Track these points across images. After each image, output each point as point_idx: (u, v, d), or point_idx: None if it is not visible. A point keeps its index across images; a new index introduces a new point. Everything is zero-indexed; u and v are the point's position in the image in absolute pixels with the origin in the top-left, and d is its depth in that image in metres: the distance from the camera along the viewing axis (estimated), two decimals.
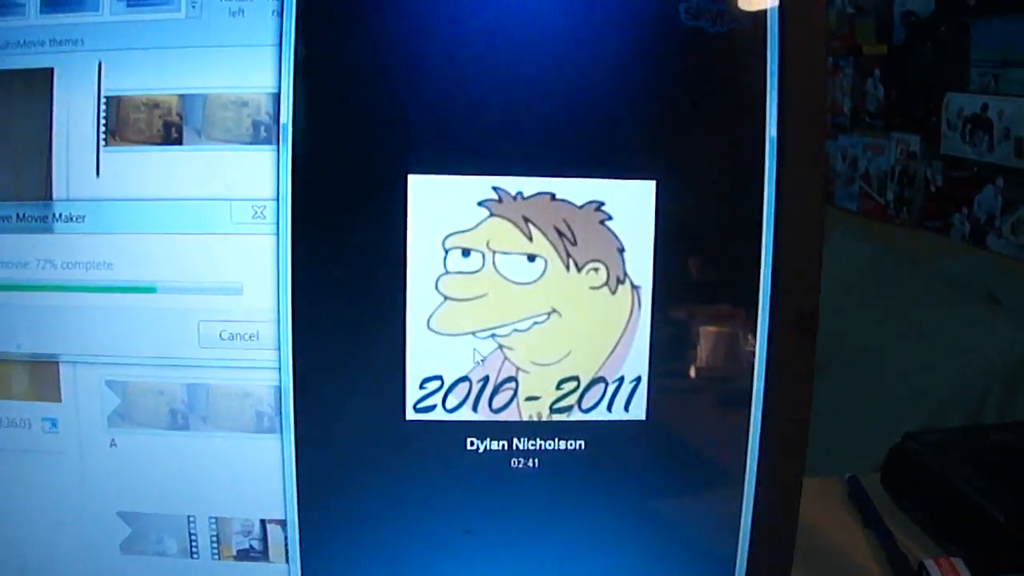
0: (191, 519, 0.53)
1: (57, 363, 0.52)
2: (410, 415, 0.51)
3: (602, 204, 0.50)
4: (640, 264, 0.51)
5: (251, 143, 0.50)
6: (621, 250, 0.50)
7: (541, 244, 0.50)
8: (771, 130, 0.50)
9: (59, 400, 0.52)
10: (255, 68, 0.49)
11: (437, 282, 0.50)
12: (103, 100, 0.50)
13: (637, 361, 0.51)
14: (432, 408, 0.51)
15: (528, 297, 0.50)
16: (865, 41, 2.35)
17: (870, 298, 1.79)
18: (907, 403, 1.52)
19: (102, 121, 0.50)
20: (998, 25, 1.88)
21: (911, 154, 2.18)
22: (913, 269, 1.85)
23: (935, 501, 0.82)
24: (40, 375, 0.52)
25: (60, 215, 0.51)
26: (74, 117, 0.50)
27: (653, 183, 0.50)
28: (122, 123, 0.50)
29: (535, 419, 0.52)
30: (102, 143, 0.50)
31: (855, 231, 2.10)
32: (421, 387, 0.51)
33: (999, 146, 1.87)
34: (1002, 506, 0.73)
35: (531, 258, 0.50)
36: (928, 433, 0.92)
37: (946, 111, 2.01)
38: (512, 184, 0.50)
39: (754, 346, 0.52)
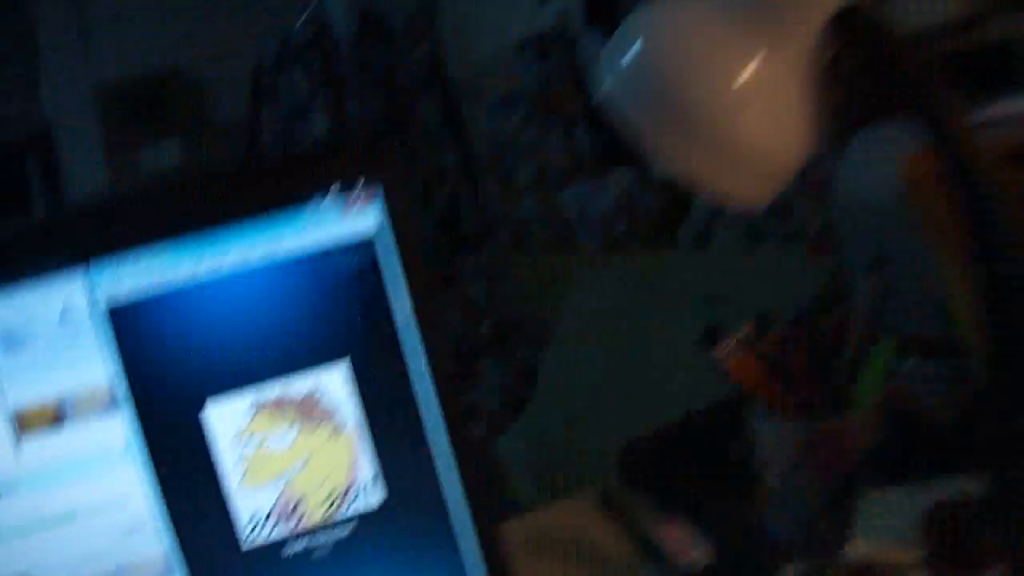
0: None
1: None
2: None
3: (317, 387, 0.79)
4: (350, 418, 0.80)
5: None
6: (334, 414, 0.80)
7: (292, 419, 0.79)
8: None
9: None
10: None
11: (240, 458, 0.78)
12: None
13: (366, 470, 0.80)
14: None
15: (292, 452, 0.79)
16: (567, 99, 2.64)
17: (612, 332, 1.92)
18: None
19: None
20: None
21: (629, 186, 2.47)
22: (648, 289, 1.97)
23: (664, 488, 1.04)
24: None
25: None
26: None
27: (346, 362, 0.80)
28: None
29: (320, 523, 0.80)
30: None
31: (599, 268, 2.26)
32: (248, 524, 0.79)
33: None
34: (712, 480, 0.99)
35: (288, 429, 0.79)
36: (646, 435, 1.13)
37: None
38: (266, 390, 0.79)
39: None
